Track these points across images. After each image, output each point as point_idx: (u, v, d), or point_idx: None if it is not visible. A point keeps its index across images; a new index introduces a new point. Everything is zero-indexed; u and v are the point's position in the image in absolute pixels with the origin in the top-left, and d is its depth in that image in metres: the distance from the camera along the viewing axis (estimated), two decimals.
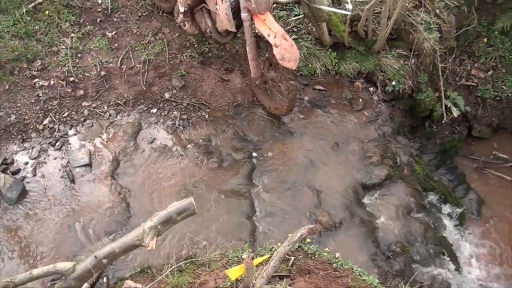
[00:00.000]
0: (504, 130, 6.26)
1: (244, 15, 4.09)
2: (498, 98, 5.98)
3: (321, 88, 5.12)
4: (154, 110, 4.85)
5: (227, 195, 4.31)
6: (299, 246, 3.54)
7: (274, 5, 4.95)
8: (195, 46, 5.13)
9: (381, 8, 4.90)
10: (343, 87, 5.19)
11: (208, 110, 4.92)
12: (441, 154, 5.80)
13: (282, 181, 4.41)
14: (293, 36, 5.23)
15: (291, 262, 3.34)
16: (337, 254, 3.68)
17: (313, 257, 3.48)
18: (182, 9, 4.68)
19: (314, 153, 4.66)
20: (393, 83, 5.18)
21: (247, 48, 4.35)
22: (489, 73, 6.04)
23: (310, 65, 5.09)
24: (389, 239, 4.24)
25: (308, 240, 3.77)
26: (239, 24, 4.30)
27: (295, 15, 5.37)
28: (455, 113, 5.41)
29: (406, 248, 4.20)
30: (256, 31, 4.19)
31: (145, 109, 4.85)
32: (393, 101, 5.29)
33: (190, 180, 4.40)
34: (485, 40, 6.00)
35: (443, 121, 5.49)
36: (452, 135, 5.93)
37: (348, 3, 4.82)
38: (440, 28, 5.44)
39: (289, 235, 3.33)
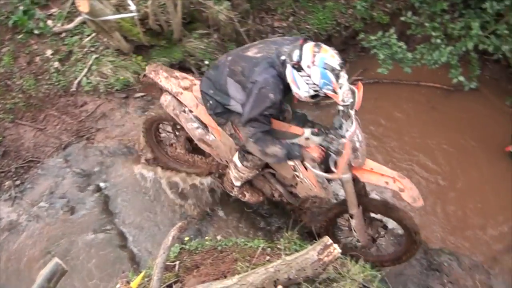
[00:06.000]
0: None
1: (346, 176, 3.19)
2: (307, 38, 6.34)
3: (142, 94, 5.02)
4: None
5: (93, 237, 4.09)
6: (181, 249, 3.45)
7: None
8: None
9: None
10: None
11: (38, 164, 4.58)
12: None
13: (140, 196, 4.26)
14: (94, 56, 5.05)
15: (177, 267, 3.24)
16: (219, 237, 3.67)
17: (197, 251, 3.41)
18: (238, 183, 3.80)
19: None
20: (206, 62, 5.23)
21: (355, 221, 3.46)
22: (290, 19, 6.34)
23: (121, 78, 4.94)
24: None
25: (187, 238, 3.70)
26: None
27: (88, 35, 5.18)
28: None
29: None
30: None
31: None
32: None
33: (51, 241, 4.10)
34: None
35: None
36: None
37: (130, 5, 4.76)
38: None
39: None
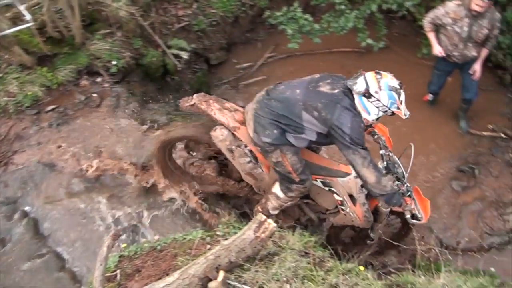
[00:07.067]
0: (235, 44, 6.69)
1: (387, 210, 3.49)
2: (214, 22, 6.27)
3: (54, 106, 4.79)
4: None
5: (29, 265, 3.84)
6: (120, 256, 3.35)
7: None
8: None
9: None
10: (73, 94, 4.92)
11: None
12: None
13: (70, 212, 4.08)
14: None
15: (118, 275, 3.15)
16: (156, 237, 3.60)
17: (137, 256, 3.32)
18: (275, 212, 3.79)
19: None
20: (114, 62, 5.08)
21: (379, 225, 3.73)
22: (194, 6, 6.23)
23: (29, 93, 4.69)
24: None
25: (124, 245, 3.60)
26: None
27: None
28: (185, 56, 5.57)
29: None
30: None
31: None
32: (125, 78, 5.24)
33: None
34: None
35: (180, 69, 5.62)
36: (195, 74, 6.11)
37: (25, 15, 4.54)
38: None
39: None
